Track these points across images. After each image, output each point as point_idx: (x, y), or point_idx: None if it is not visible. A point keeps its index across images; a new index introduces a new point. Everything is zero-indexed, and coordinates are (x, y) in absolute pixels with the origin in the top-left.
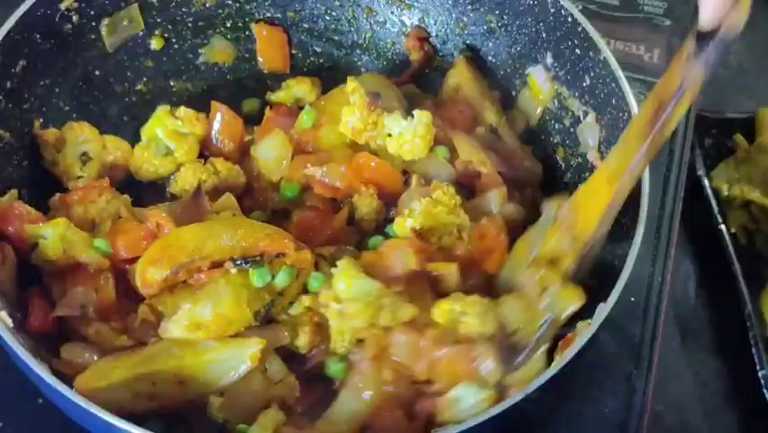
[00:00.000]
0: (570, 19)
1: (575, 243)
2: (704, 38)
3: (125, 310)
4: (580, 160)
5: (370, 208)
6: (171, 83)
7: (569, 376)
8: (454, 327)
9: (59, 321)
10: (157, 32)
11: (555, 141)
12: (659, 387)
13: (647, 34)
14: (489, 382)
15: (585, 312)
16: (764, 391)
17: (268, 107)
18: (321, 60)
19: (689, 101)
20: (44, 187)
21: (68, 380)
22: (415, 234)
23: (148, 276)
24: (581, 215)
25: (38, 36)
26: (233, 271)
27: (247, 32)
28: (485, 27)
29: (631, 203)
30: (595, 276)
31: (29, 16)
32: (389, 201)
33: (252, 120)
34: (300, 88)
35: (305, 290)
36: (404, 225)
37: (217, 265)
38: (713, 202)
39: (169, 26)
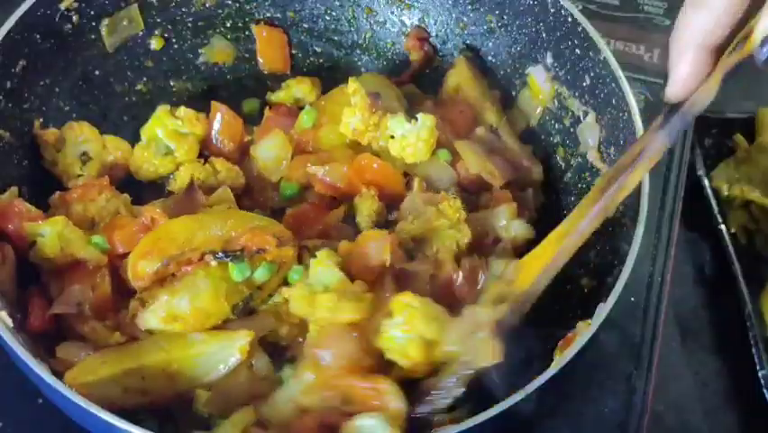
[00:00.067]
0: (570, 19)
1: (511, 296)
2: (670, 110)
3: (118, 307)
4: (580, 160)
5: (370, 210)
6: (171, 83)
7: (569, 376)
8: (394, 347)
9: (56, 320)
10: (157, 32)
11: (555, 141)
12: (659, 387)
13: (647, 34)
14: (397, 421)
15: (585, 312)
16: (764, 391)
17: (268, 107)
18: (321, 61)
19: (645, 169)
20: (44, 185)
21: None
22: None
23: (139, 269)
24: (523, 272)
25: (38, 36)
26: (213, 263)
27: (247, 33)
28: (485, 27)
29: (631, 203)
30: (595, 276)
31: (29, 16)
32: (390, 203)
33: (252, 120)
34: (300, 89)
35: (285, 282)
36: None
37: None
38: (713, 202)
39: (169, 26)
